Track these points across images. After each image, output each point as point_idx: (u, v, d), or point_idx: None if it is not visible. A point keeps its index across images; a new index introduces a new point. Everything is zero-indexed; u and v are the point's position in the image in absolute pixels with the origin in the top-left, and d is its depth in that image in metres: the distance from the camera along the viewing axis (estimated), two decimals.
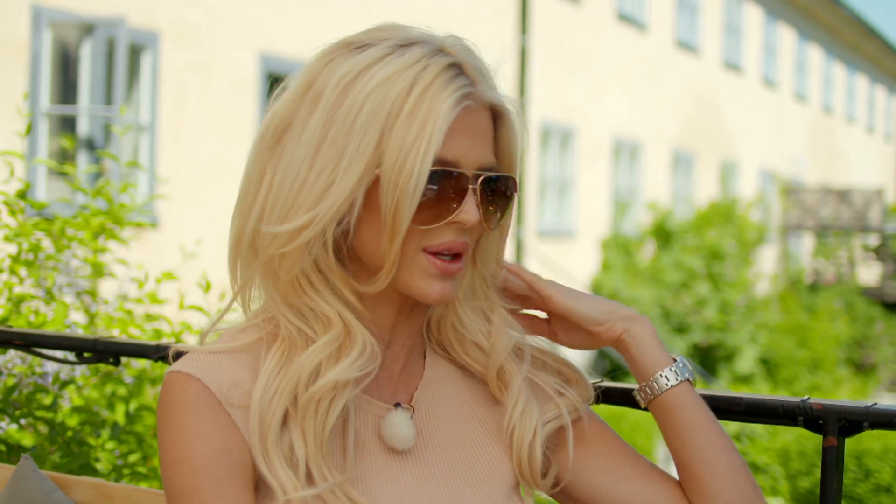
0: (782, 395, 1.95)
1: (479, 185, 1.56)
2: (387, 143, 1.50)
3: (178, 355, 1.60)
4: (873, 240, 26.71)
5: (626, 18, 19.93)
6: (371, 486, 1.57)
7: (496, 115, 1.61)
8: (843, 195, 25.85)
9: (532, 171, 17.26)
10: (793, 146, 29.13)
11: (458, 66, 1.56)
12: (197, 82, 11.18)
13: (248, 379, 1.55)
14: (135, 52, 10.69)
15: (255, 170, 1.58)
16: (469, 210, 1.55)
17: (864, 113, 36.90)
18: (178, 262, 4.29)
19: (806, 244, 27.32)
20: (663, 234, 19.02)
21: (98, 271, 3.69)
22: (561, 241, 18.10)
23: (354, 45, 1.58)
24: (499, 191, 1.60)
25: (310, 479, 1.52)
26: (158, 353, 2.38)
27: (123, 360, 3.03)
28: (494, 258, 1.70)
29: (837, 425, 1.86)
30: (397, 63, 1.52)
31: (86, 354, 2.51)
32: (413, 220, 1.53)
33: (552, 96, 17.76)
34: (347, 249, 1.58)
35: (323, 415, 1.52)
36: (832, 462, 1.87)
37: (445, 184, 1.54)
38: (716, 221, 19.33)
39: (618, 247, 18.55)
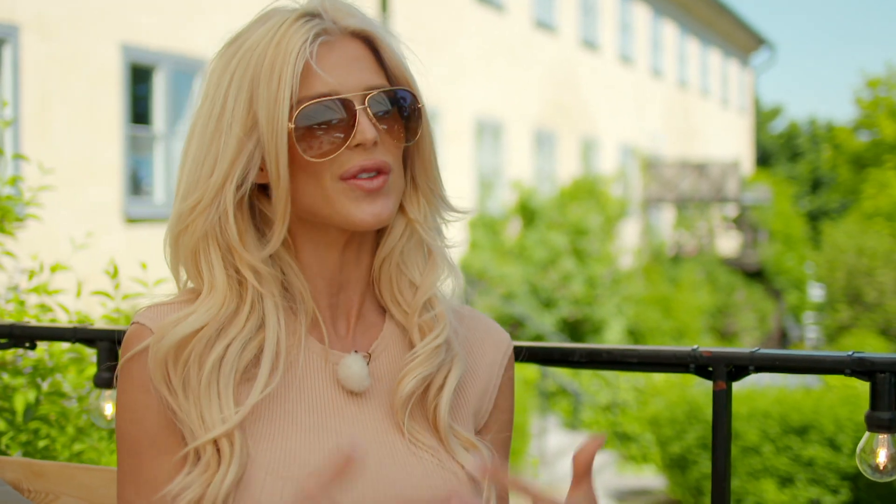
0: (674, 346, 2.11)
1: (367, 103, 1.60)
2: (257, 104, 1.57)
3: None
4: (731, 210, 27.40)
5: (484, 0, 20.12)
6: (336, 430, 1.62)
7: (368, 41, 1.67)
8: (700, 168, 26.43)
9: None
10: (651, 121, 29.65)
11: (311, 13, 1.62)
12: (60, 75, 11.07)
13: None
14: None
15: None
16: (364, 129, 1.59)
17: (718, 87, 37.68)
18: (67, 253, 4.30)
19: (667, 217, 27.86)
20: (528, 213, 19.24)
21: None
22: None
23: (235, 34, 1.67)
24: (396, 105, 1.64)
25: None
26: (76, 336, 2.43)
27: (21, 351, 3.07)
28: (427, 173, 1.72)
29: (725, 370, 2.03)
30: (259, 32, 1.60)
31: (1, 340, 2.54)
32: (317, 156, 1.58)
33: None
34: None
35: (196, 364, 1.58)
36: (722, 404, 2.03)
37: (331, 112, 1.58)
38: (579, 198, 19.61)
39: (484, 226, 18.72)
